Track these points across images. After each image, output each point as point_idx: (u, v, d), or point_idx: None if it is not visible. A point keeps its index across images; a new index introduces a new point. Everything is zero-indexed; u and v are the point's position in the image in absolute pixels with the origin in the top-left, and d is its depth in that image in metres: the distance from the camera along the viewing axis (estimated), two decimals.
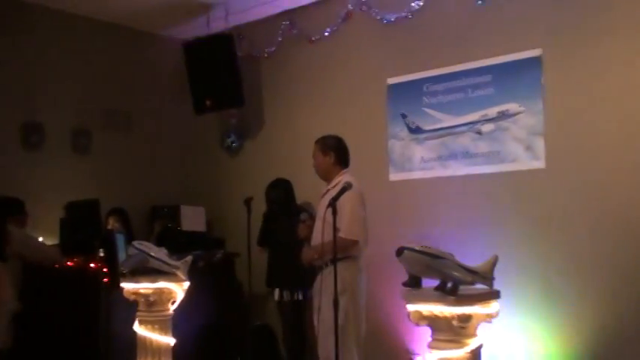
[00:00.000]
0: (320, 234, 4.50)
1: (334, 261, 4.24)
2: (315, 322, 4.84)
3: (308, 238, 5.12)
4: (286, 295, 6.16)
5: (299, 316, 6.18)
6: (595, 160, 5.01)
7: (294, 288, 6.13)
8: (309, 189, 5.90)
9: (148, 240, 5.37)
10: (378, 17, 6.32)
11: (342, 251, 4.71)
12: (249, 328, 6.34)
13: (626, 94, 4.89)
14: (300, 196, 6.50)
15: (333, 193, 4.63)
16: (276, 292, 6.22)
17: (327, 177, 5.10)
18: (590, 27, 5.07)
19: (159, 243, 5.36)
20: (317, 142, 5.17)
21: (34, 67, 6.76)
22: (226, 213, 7.35)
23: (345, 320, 4.64)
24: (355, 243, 4.81)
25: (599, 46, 5.03)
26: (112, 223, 6.56)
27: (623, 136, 4.89)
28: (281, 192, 6.46)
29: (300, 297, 6.11)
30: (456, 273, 3.42)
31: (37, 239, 5.71)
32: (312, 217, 5.19)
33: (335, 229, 4.24)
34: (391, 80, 6.26)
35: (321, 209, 4.71)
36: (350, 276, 4.78)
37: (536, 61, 5.33)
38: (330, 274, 4.35)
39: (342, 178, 4.92)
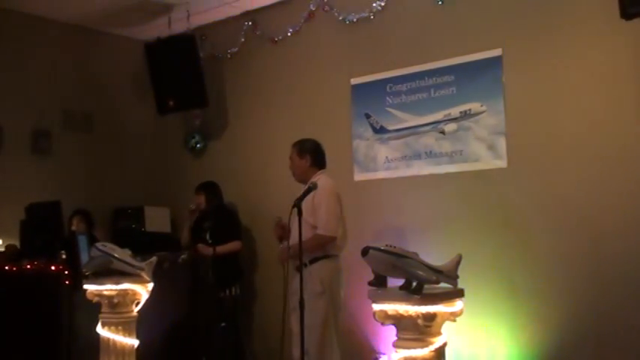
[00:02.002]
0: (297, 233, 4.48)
1: (300, 263, 4.28)
2: (293, 322, 4.83)
3: (282, 238, 5.13)
4: (229, 291, 6.44)
5: (237, 311, 6.56)
6: (556, 158, 5.06)
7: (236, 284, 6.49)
8: (271, 189, 5.90)
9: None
10: (340, 17, 6.33)
11: (321, 248, 4.78)
12: (216, 328, 6.35)
13: (586, 93, 4.95)
14: (262, 195, 6.51)
15: None
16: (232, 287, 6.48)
17: (303, 179, 5.10)
18: (550, 26, 5.13)
19: (119, 244, 5.32)
20: (294, 145, 5.20)
21: None
22: None
23: (326, 318, 4.76)
24: (333, 239, 4.86)
25: (559, 45, 5.09)
26: (76, 224, 6.49)
27: (583, 134, 4.95)
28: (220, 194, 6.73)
29: (239, 292, 6.48)
30: (420, 272, 3.45)
31: None
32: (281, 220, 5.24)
33: (300, 231, 4.22)
34: (354, 80, 6.27)
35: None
36: (328, 276, 4.85)
37: (496, 61, 5.38)
38: (310, 274, 4.53)
39: (317, 179, 4.92)
